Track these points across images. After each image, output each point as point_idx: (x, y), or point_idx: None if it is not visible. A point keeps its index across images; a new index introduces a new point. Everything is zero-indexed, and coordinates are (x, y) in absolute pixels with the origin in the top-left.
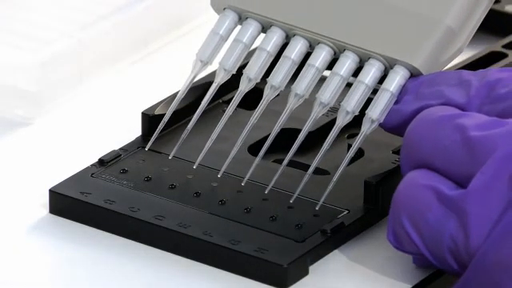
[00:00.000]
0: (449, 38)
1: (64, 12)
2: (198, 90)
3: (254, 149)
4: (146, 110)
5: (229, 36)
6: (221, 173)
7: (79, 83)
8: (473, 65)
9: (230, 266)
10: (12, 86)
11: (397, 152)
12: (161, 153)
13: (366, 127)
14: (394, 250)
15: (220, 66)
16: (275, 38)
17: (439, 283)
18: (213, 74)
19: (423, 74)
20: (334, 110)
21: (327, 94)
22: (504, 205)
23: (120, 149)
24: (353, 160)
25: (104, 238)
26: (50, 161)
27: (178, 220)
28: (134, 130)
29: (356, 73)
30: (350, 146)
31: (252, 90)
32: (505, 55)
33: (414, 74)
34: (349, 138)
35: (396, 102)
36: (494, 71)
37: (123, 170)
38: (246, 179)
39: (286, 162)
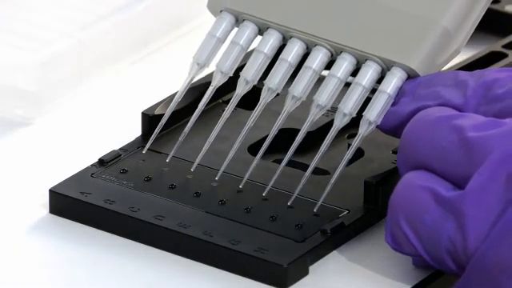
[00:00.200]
0: (445, 39)
1: (64, 12)
2: (197, 90)
3: (254, 149)
4: (146, 110)
5: (226, 38)
6: (219, 174)
7: (79, 83)
8: (473, 65)
9: (229, 265)
10: (12, 85)
11: (397, 152)
12: (161, 153)
13: (363, 129)
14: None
15: (217, 69)
16: (272, 40)
17: (439, 283)
18: (212, 75)
19: (420, 75)
20: (334, 110)
21: (324, 97)
22: (501, 205)
23: (120, 149)
24: (353, 160)
25: (104, 238)
26: (50, 161)
27: (177, 220)
28: (134, 130)
29: (353, 74)
30: (349, 145)
31: (252, 90)
32: (505, 55)
33: (411, 76)
34: (349, 137)
35: (393, 104)
36: (491, 71)
37: (123, 170)
38: (245, 179)
39: (284, 162)
